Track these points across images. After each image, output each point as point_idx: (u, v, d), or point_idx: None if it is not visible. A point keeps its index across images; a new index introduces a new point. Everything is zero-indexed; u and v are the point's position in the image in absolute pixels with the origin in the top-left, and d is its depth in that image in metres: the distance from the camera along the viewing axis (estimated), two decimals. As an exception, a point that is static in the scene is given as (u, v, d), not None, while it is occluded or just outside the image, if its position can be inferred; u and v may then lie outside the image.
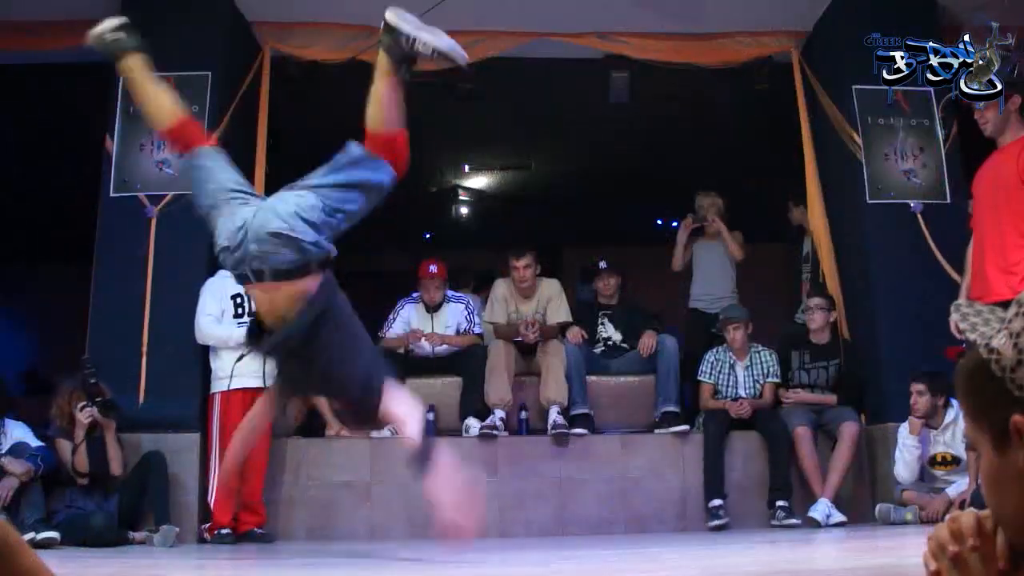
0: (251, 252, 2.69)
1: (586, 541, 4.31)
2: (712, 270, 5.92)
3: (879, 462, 4.86)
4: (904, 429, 4.45)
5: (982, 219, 3.54)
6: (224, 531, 4.23)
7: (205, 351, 4.65)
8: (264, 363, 4.50)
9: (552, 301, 5.32)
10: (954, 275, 4.67)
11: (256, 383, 4.47)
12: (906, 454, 4.43)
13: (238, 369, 4.43)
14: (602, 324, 5.51)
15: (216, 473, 4.38)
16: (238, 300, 4.57)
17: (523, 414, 5.08)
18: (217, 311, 4.55)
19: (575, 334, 5.24)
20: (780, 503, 4.62)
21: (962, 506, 4.00)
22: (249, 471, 4.46)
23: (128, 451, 4.43)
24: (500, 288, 5.42)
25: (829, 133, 5.37)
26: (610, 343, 5.47)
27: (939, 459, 4.44)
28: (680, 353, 5.29)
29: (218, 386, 4.50)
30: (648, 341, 5.20)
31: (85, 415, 4.19)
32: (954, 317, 0.91)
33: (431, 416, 5.07)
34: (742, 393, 5.05)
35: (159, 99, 2.99)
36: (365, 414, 2.84)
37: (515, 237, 6.02)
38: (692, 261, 6.01)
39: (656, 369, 5.17)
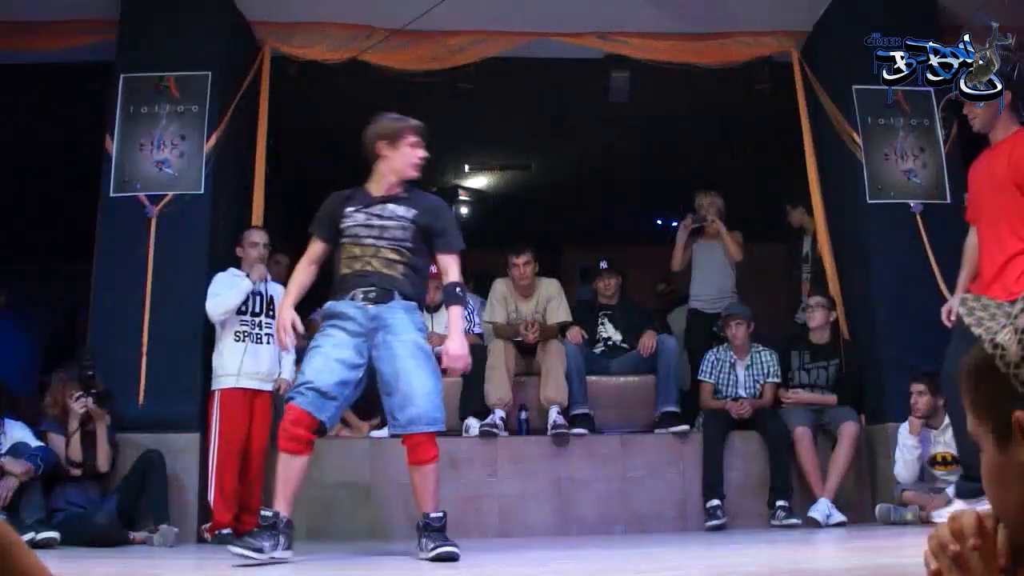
0: None
1: (586, 541, 4.31)
2: (712, 270, 5.92)
3: (879, 462, 4.86)
4: (904, 429, 4.45)
5: (980, 217, 3.55)
6: (225, 531, 4.22)
7: (205, 350, 4.65)
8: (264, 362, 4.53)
9: (552, 301, 5.32)
10: (941, 281, 4.67)
11: (256, 384, 4.52)
12: (906, 454, 4.43)
13: (238, 368, 4.45)
14: (602, 324, 5.52)
15: (215, 472, 4.36)
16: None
17: (523, 414, 5.08)
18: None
19: (575, 334, 5.24)
20: (780, 503, 4.63)
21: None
22: (251, 471, 4.46)
23: (128, 451, 4.43)
24: (499, 288, 5.43)
25: (829, 133, 5.37)
26: (610, 343, 5.48)
27: (939, 459, 4.43)
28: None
29: (218, 383, 4.50)
30: (648, 341, 5.20)
31: (79, 405, 4.22)
32: (960, 311, 0.90)
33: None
34: (742, 393, 5.05)
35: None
36: None
37: (515, 237, 6.01)
38: (692, 261, 6.00)
39: (656, 369, 5.17)
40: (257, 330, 4.56)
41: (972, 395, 0.84)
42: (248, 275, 4.54)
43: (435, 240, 3.35)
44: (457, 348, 3.21)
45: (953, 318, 3.59)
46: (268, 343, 4.56)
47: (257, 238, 4.70)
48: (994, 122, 3.49)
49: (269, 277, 4.77)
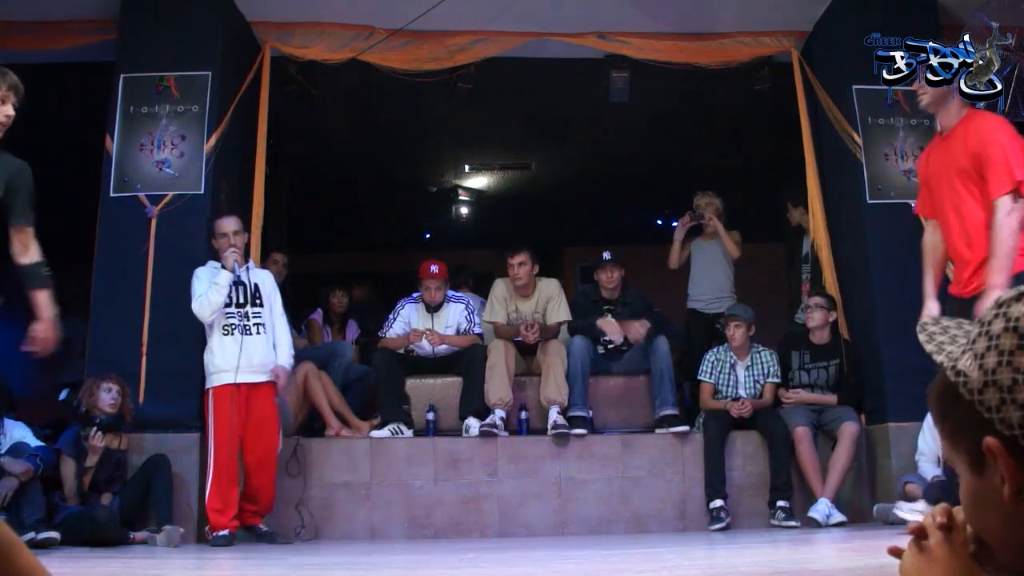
0: None
1: (586, 541, 4.31)
2: (709, 270, 5.92)
3: (879, 462, 4.86)
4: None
5: (941, 211, 3.34)
6: (221, 534, 4.12)
7: (204, 350, 4.65)
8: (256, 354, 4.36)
9: (551, 301, 5.31)
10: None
11: (252, 377, 4.34)
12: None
13: (230, 364, 4.31)
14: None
15: (212, 472, 4.22)
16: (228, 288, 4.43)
17: (523, 414, 5.07)
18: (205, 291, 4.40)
19: (638, 328, 5.17)
20: (780, 503, 4.63)
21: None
22: (255, 464, 4.36)
23: (129, 451, 4.43)
24: (499, 288, 5.42)
25: (829, 133, 5.38)
26: (611, 345, 5.41)
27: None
28: (677, 353, 5.26)
29: (211, 382, 4.36)
30: (638, 328, 5.13)
31: (97, 440, 4.21)
32: (921, 338, 0.88)
33: (431, 416, 5.08)
34: (742, 393, 5.04)
35: None
36: None
37: (515, 237, 6.00)
38: (690, 260, 6.01)
39: (650, 372, 5.16)
40: (245, 321, 4.40)
41: (941, 424, 0.83)
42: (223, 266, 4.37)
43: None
44: (40, 331, 3.09)
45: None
46: (259, 333, 4.40)
47: (225, 227, 4.46)
48: (943, 102, 3.26)
49: (252, 265, 4.61)
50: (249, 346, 4.35)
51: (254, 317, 4.43)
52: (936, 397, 0.83)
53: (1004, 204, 3.04)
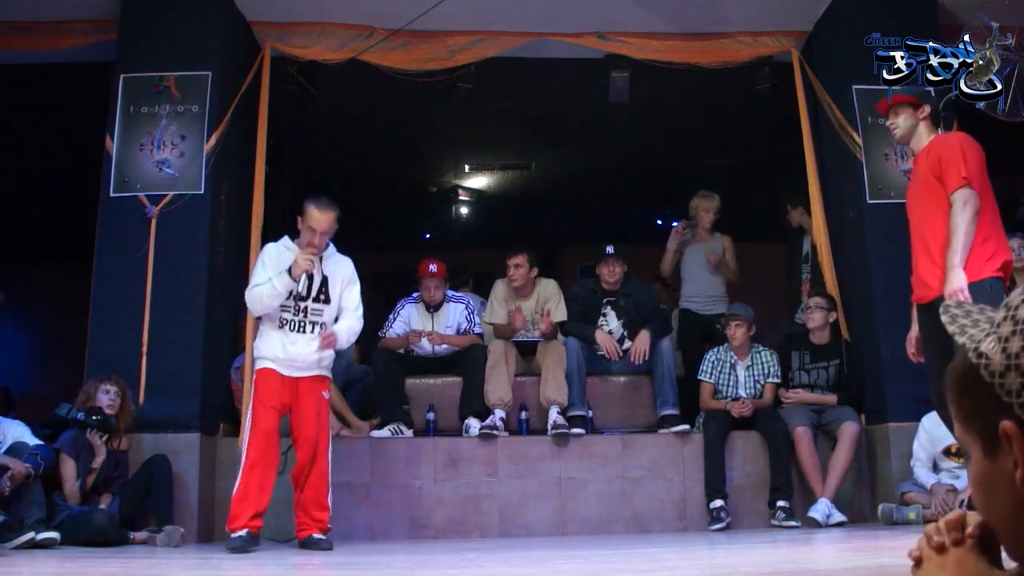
0: None
1: (586, 541, 4.31)
2: (702, 271, 5.93)
3: (879, 462, 4.86)
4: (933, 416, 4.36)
5: (913, 229, 3.51)
6: (239, 534, 3.75)
7: (206, 350, 4.65)
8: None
9: (550, 301, 5.32)
10: None
11: (295, 373, 3.98)
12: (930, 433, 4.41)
13: (274, 356, 3.97)
14: (604, 315, 5.39)
15: (244, 464, 3.87)
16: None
17: (523, 414, 5.08)
18: (265, 280, 3.94)
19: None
20: (780, 503, 4.62)
21: (966, 504, 3.99)
22: (304, 459, 4.01)
23: (130, 451, 4.44)
24: (499, 288, 5.43)
25: (829, 133, 5.38)
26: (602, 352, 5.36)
27: (954, 450, 4.41)
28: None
29: (257, 364, 4.01)
30: (639, 346, 5.07)
31: (94, 439, 4.24)
32: (943, 319, 0.89)
33: (431, 416, 5.08)
34: (743, 393, 5.04)
35: None
36: None
37: (515, 237, 6.00)
38: (682, 262, 6.02)
39: (652, 372, 5.15)
40: (301, 316, 3.98)
41: (958, 404, 0.84)
42: (290, 270, 3.89)
43: None
44: None
45: (913, 351, 3.53)
46: (312, 331, 3.97)
47: (314, 222, 3.91)
48: (912, 133, 3.49)
49: (331, 252, 4.10)
50: (297, 344, 3.96)
51: (313, 314, 4.00)
52: (955, 378, 0.84)
53: (959, 197, 3.22)
